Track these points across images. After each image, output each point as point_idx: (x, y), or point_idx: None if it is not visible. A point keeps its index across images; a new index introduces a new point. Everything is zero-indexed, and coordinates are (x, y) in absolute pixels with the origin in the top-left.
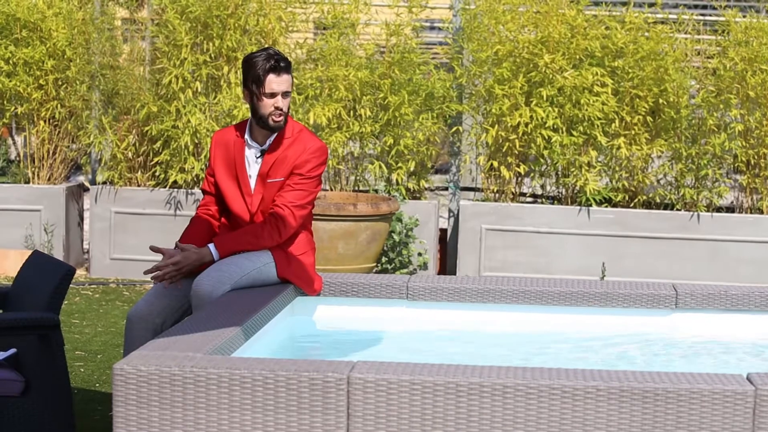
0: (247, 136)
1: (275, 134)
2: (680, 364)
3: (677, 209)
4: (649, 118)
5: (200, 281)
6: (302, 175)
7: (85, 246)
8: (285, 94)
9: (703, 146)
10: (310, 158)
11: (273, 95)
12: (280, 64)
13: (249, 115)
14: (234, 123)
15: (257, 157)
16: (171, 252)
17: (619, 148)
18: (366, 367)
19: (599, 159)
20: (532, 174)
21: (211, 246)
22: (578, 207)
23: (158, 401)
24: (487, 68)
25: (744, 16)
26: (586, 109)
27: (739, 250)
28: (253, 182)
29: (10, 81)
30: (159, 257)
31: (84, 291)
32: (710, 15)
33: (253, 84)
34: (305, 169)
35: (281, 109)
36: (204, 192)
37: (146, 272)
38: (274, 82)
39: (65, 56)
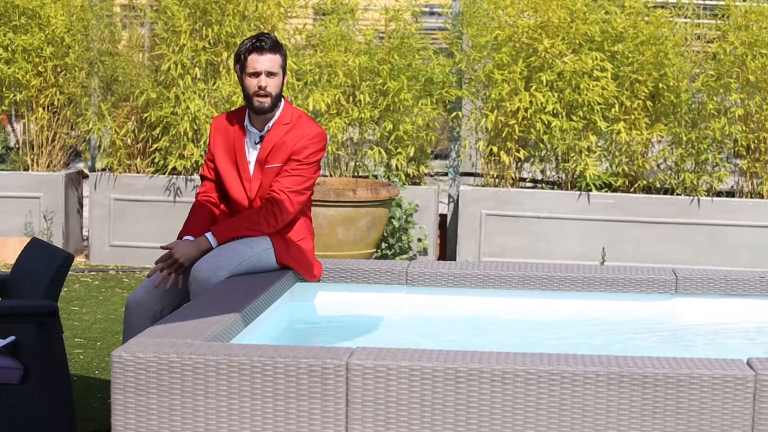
0: (246, 122)
1: (273, 120)
2: (680, 349)
3: (677, 194)
4: (648, 103)
5: (199, 267)
6: (300, 161)
7: (85, 233)
8: (269, 74)
9: (703, 131)
10: (309, 144)
11: (256, 74)
12: (263, 43)
13: None
14: (233, 109)
15: (256, 143)
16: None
17: (618, 132)
18: (365, 354)
19: (599, 144)
20: (531, 159)
21: (209, 234)
22: (578, 192)
23: (157, 388)
24: (486, 53)
25: (744, 1)
26: (586, 94)
27: (739, 234)
28: (251, 168)
29: (9, 68)
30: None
31: (83, 278)
32: None
33: (237, 65)
34: (303, 154)
35: (264, 89)
36: (203, 178)
37: (149, 274)
38: (257, 61)
39: (64, 43)
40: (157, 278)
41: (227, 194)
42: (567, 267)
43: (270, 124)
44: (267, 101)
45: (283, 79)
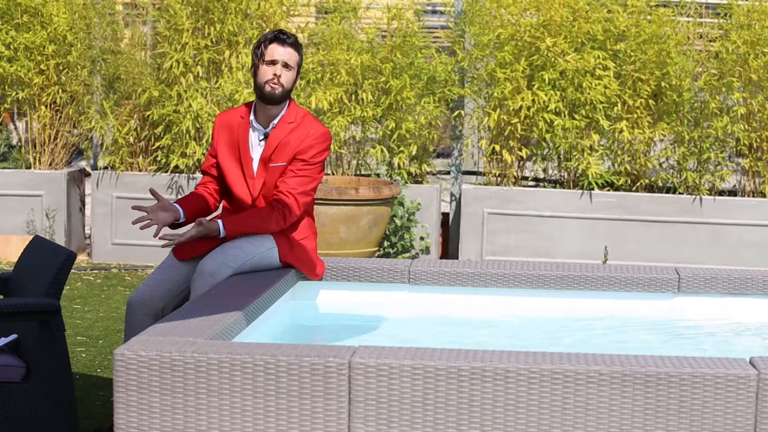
0: (251, 118)
1: (279, 117)
2: (682, 348)
3: (679, 193)
4: (651, 102)
5: (203, 265)
6: (305, 161)
7: (87, 231)
8: (286, 66)
9: (706, 130)
10: (314, 144)
11: (273, 63)
12: (286, 37)
13: (252, 98)
14: (237, 106)
15: (260, 140)
16: (166, 202)
17: (621, 131)
18: (367, 352)
19: (601, 143)
20: (534, 158)
21: (220, 222)
22: (580, 191)
23: (159, 386)
24: (488, 52)
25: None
26: (588, 93)
27: (741, 233)
28: (255, 165)
29: (11, 66)
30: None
31: (85, 276)
32: None
33: (256, 51)
34: (308, 154)
35: (279, 77)
36: (203, 172)
37: (136, 221)
38: (276, 51)
39: (66, 41)
40: (159, 273)
41: (230, 191)
42: (569, 266)
43: (275, 121)
44: (278, 89)
45: (296, 77)
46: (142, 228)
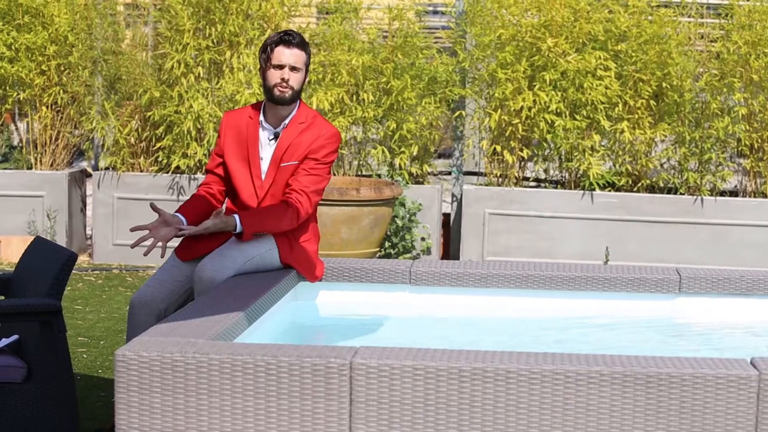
0: (261, 118)
1: (290, 117)
2: (684, 349)
3: (681, 193)
4: (652, 102)
5: (203, 266)
6: (317, 160)
7: (88, 232)
8: (294, 69)
9: (707, 130)
10: (326, 144)
11: (280, 67)
12: (291, 38)
13: (253, 99)
14: (238, 107)
15: (270, 140)
16: (167, 216)
17: (622, 132)
18: (369, 353)
19: (602, 143)
20: (535, 158)
21: (237, 217)
22: (582, 191)
23: (160, 387)
24: (490, 52)
25: (747, 0)
26: (590, 93)
27: (742, 234)
28: (264, 165)
29: (13, 67)
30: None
31: (87, 277)
32: None
33: (263, 54)
34: (321, 154)
35: (287, 81)
36: (208, 171)
37: (134, 245)
38: (283, 54)
39: (67, 42)
40: (161, 274)
41: (235, 191)
42: (570, 266)
43: (286, 121)
44: (288, 92)
45: (305, 77)
46: (145, 254)
